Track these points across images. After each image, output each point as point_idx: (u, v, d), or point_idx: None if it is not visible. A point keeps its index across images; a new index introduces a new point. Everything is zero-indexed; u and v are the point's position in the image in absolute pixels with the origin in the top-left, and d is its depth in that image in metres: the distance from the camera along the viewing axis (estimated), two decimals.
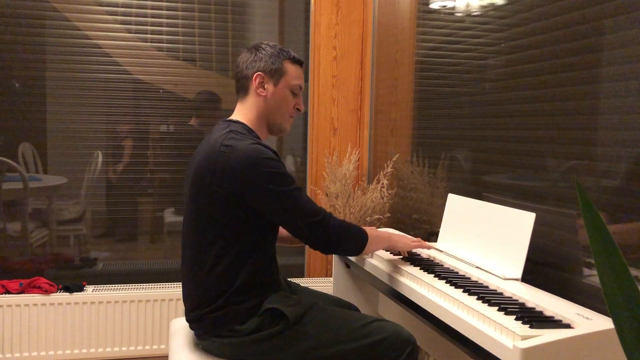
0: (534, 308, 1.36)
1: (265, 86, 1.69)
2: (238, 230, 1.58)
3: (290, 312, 1.57)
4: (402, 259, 1.83)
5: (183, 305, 1.72)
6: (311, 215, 1.57)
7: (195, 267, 1.62)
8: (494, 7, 1.99)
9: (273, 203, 1.54)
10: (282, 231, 1.84)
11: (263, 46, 1.71)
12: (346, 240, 1.63)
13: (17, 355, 2.59)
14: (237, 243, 1.58)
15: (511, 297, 1.43)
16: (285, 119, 1.75)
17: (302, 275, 3.14)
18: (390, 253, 1.91)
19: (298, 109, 1.78)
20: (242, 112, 1.72)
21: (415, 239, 1.86)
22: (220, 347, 1.60)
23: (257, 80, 1.68)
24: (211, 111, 3.04)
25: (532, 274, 1.61)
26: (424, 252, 1.92)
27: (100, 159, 2.93)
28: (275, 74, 1.69)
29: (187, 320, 1.68)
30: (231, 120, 1.70)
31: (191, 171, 1.65)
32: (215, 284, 1.58)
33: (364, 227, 1.70)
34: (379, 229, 1.86)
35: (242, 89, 1.72)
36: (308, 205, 1.57)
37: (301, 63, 1.77)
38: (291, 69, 1.72)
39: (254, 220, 1.58)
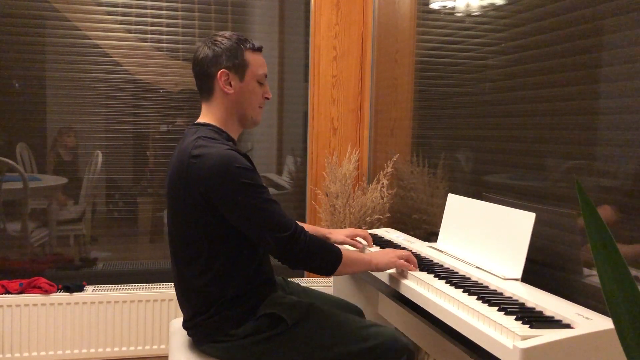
0: (534, 308, 1.36)
1: (232, 83, 1.60)
2: (220, 241, 1.54)
3: (289, 315, 1.56)
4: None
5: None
6: (280, 229, 1.49)
7: (184, 279, 1.60)
8: (494, 7, 1.99)
9: (241, 215, 1.48)
10: None
11: (219, 39, 1.61)
12: (315, 259, 1.54)
13: (17, 355, 2.59)
14: (221, 253, 1.55)
15: (511, 297, 1.43)
16: (256, 111, 1.67)
17: (302, 275, 3.14)
18: None
19: (267, 98, 1.69)
20: (210, 113, 1.64)
21: (404, 253, 1.71)
22: (219, 350, 1.59)
23: (223, 79, 1.59)
24: (195, 110, 3.02)
25: (532, 274, 1.61)
26: (423, 252, 1.91)
27: (100, 159, 2.93)
28: (239, 68, 1.60)
29: (184, 327, 1.67)
30: (199, 124, 1.63)
31: (167, 181, 1.62)
32: (205, 295, 1.56)
33: (343, 249, 1.61)
34: (364, 252, 1.76)
35: (206, 89, 1.63)
36: (278, 218, 1.49)
37: (261, 49, 1.67)
38: (253, 58, 1.63)
39: (235, 229, 1.53)
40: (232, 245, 1.55)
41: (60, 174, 2.91)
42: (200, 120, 1.66)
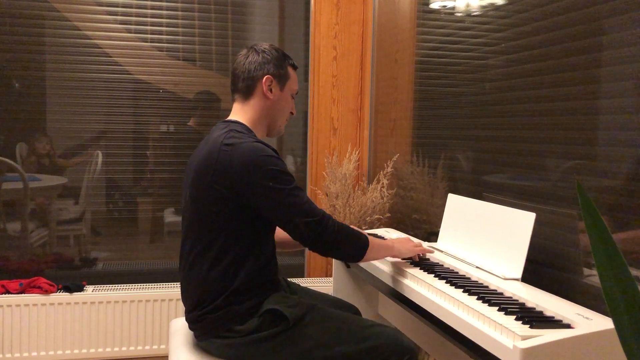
0: (534, 308, 1.36)
1: (273, 89, 1.70)
2: (237, 230, 1.57)
3: (291, 313, 1.57)
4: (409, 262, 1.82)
5: (183, 305, 1.71)
6: (310, 214, 1.55)
7: (195, 266, 1.62)
8: (494, 7, 1.99)
9: (273, 201, 1.54)
10: (282, 235, 1.84)
11: (268, 48, 1.72)
12: (345, 244, 1.60)
13: (17, 355, 2.59)
14: (236, 243, 1.58)
15: (511, 297, 1.43)
16: (283, 121, 1.78)
17: (302, 276, 3.14)
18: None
19: (291, 113, 1.81)
20: (243, 113, 1.71)
21: (416, 242, 1.84)
22: (220, 347, 1.60)
23: (267, 84, 1.68)
24: (210, 111, 3.04)
25: (532, 274, 1.61)
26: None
27: (100, 159, 2.93)
28: (282, 79, 1.72)
29: (187, 320, 1.68)
30: (230, 121, 1.70)
31: (191, 171, 1.65)
32: (214, 284, 1.58)
33: (366, 234, 1.67)
34: (380, 238, 1.83)
35: (246, 90, 1.70)
36: (307, 204, 1.56)
37: (297, 68, 1.81)
38: (292, 74, 1.76)
39: (254, 220, 1.58)
40: (247, 238, 1.59)
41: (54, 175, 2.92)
42: (231, 117, 1.72)
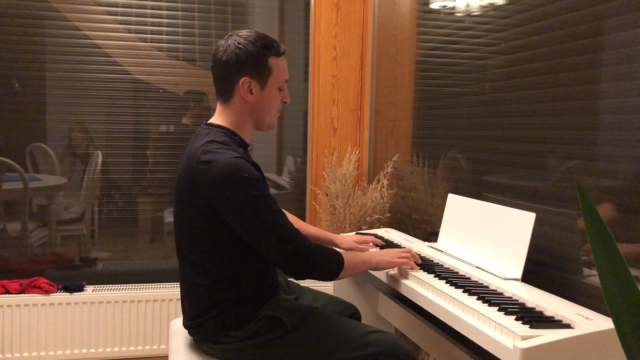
0: (534, 308, 1.36)
1: (253, 91, 1.56)
2: (225, 245, 1.53)
3: (289, 319, 1.55)
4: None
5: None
6: (284, 242, 1.47)
7: (188, 279, 1.60)
8: (494, 7, 1.99)
9: (245, 225, 1.47)
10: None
11: (244, 43, 1.54)
12: (319, 269, 1.53)
13: (17, 355, 2.59)
14: (226, 256, 1.54)
15: (511, 297, 1.43)
16: (273, 116, 1.64)
17: None
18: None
19: (285, 102, 1.66)
20: (225, 115, 1.60)
21: (403, 252, 1.72)
22: (219, 351, 1.59)
23: (245, 87, 1.55)
24: (200, 110, 3.03)
25: (532, 274, 1.61)
26: (423, 252, 1.91)
27: (100, 159, 2.93)
28: (262, 77, 1.56)
29: (185, 327, 1.67)
30: (212, 125, 1.60)
31: (176, 183, 1.61)
32: (208, 296, 1.56)
33: (343, 253, 1.60)
34: (367, 250, 1.81)
35: (224, 93, 1.59)
36: (282, 231, 1.48)
37: (284, 52, 1.61)
38: (277, 64, 1.58)
39: (240, 235, 1.52)
40: (237, 249, 1.54)
41: (67, 174, 2.92)
42: (214, 120, 1.62)
